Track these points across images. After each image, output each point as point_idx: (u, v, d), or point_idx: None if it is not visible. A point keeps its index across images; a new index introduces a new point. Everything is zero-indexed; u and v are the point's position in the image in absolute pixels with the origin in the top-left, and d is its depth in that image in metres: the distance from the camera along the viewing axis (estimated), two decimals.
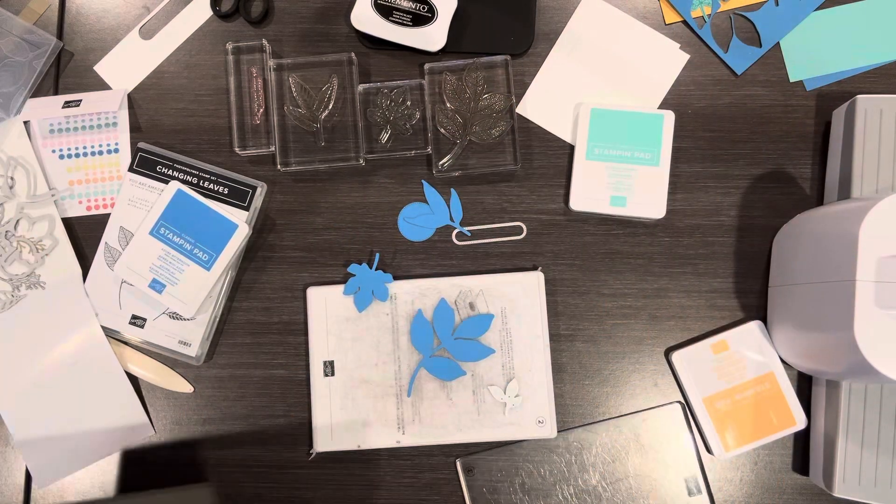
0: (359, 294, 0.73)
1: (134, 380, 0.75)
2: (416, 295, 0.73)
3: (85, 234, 0.77)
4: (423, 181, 0.76)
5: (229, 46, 0.77)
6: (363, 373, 0.73)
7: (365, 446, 0.73)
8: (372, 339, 0.73)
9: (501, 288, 0.73)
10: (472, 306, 0.72)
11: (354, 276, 0.73)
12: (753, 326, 0.72)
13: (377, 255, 0.74)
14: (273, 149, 0.76)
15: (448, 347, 0.72)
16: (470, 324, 0.72)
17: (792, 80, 0.76)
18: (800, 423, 0.71)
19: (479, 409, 0.72)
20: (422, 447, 0.74)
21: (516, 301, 0.72)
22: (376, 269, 0.74)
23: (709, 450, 0.72)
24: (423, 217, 0.76)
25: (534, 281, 0.72)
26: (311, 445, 0.75)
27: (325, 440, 0.73)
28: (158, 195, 0.74)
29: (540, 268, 0.73)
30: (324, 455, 0.75)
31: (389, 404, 0.73)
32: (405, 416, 0.72)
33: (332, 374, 0.73)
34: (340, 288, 0.74)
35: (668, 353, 0.74)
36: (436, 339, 0.73)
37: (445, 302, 0.73)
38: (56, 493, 0.76)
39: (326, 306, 0.74)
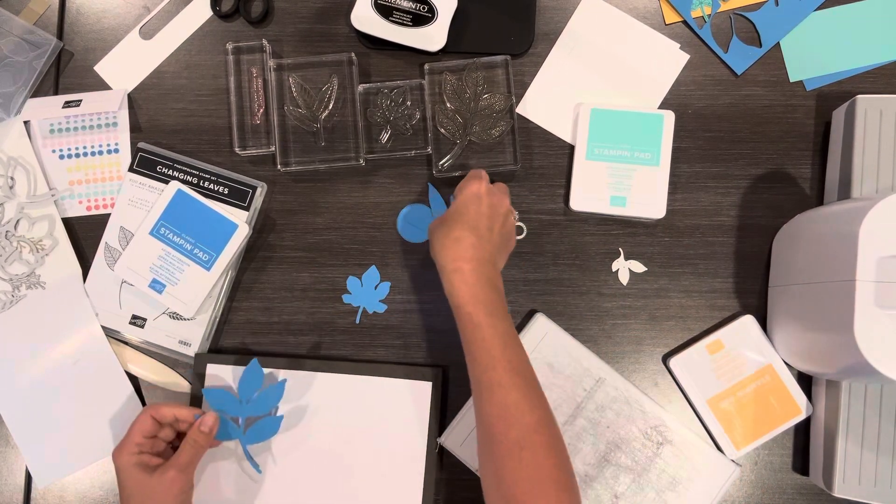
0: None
1: (134, 380, 0.75)
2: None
3: (85, 234, 0.77)
4: (429, 184, 0.76)
5: (229, 46, 0.77)
6: None
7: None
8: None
9: (687, 452, 0.70)
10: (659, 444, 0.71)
11: None
12: (746, 321, 0.72)
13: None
14: (273, 149, 0.76)
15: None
16: None
17: (792, 80, 0.76)
18: (804, 410, 0.71)
19: None
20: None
21: (693, 480, 0.70)
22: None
23: (719, 450, 0.71)
24: (424, 219, 0.76)
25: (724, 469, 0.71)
26: None
27: (456, 442, 0.71)
28: (158, 195, 0.74)
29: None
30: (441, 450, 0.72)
31: None
32: None
33: None
34: None
35: (665, 358, 0.74)
36: None
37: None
38: (56, 493, 0.76)
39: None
